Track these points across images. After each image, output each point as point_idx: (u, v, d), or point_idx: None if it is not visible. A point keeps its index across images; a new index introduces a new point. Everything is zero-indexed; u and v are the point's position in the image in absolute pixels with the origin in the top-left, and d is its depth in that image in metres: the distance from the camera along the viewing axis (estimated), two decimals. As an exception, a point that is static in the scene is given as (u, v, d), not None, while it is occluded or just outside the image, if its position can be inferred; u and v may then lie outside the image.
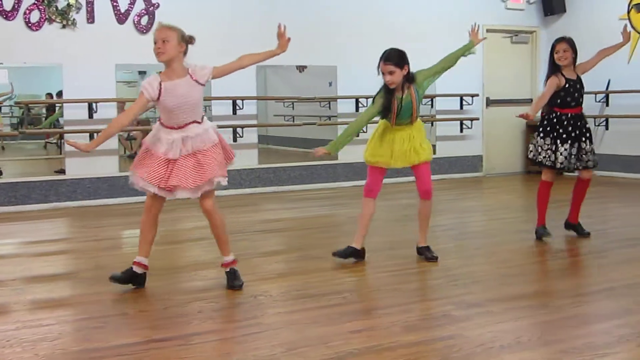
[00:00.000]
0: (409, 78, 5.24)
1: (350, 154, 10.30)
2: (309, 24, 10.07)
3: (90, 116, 8.75)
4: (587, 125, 6.09)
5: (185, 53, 4.61)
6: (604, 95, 11.01)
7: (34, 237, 6.95)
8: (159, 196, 4.64)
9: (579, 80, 6.03)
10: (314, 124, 10.60)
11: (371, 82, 10.36)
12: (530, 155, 6.14)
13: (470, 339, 3.62)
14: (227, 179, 4.66)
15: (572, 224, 6.28)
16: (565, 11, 11.70)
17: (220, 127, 9.59)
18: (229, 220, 7.76)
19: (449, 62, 5.56)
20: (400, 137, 5.30)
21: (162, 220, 7.75)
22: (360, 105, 10.39)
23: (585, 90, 11.02)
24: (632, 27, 10.66)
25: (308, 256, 5.66)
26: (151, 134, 4.62)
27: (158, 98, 4.47)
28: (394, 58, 5.18)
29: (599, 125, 11.12)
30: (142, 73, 11.50)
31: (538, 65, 12.05)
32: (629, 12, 10.72)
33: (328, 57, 10.18)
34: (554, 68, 5.97)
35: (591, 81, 10.98)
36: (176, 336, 3.77)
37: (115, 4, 8.95)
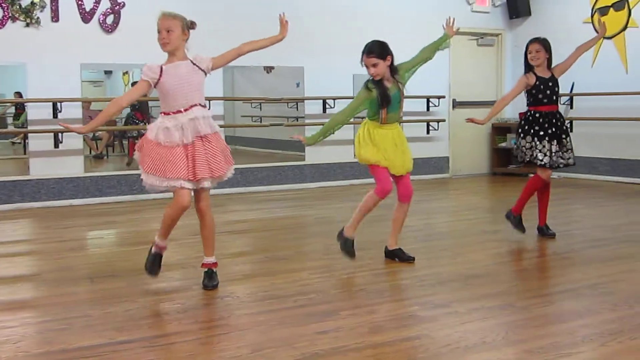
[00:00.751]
0: (393, 69, 5.27)
1: (317, 155, 10.32)
2: (276, 25, 10.04)
3: (55, 116, 8.64)
4: (565, 123, 6.17)
5: (186, 40, 4.71)
6: (568, 97, 11.14)
7: (2, 238, 6.86)
8: (187, 189, 4.52)
9: (552, 79, 6.09)
10: (282, 124, 10.58)
11: (338, 83, 10.47)
12: (519, 158, 6.19)
13: (436, 340, 3.64)
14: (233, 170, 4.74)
15: (540, 227, 6.36)
16: (530, 14, 11.83)
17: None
18: (196, 221, 7.73)
19: (426, 53, 5.57)
20: (392, 140, 5.26)
21: (129, 220, 7.75)
22: (327, 106, 10.41)
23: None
24: (596, 30, 10.80)
25: (274, 257, 5.65)
26: (154, 128, 4.53)
27: (159, 79, 4.47)
28: (376, 49, 5.22)
29: (563, 128, 11.25)
30: (108, 73, 11.42)
31: (504, 67, 12.17)
32: (592, 15, 10.86)
33: (295, 58, 10.17)
34: (527, 68, 6.10)
35: (556, 84, 11.18)
36: (141, 338, 3.74)
37: (80, 2, 8.86)
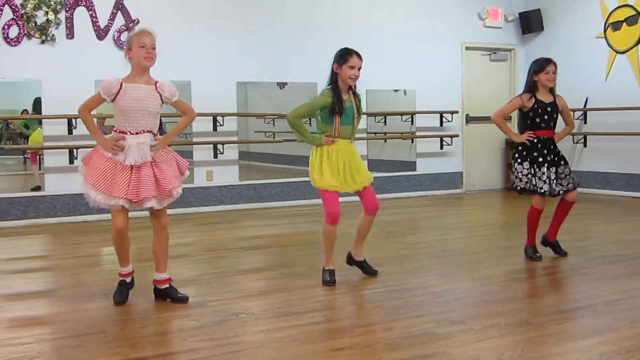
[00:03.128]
0: (353, 85, 5.33)
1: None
2: (290, 41, 10.10)
3: (70, 132, 8.70)
4: (558, 150, 6.04)
5: None
6: (582, 112, 11.11)
7: (13, 254, 6.88)
8: (125, 210, 4.59)
9: (553, 104, 5.92)
10: (295, 140, 10.56)
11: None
12: (515, 185, 6.03)
13: (452, 357, 3.61)
14: (181, 189, 4.76)
15: (550, 242, 6.26)
16: (543, 29, 11.82)
17: (200, 143, 9.65)
18: (210, 237, 7.76)
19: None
20: (346, 156, 5.23)
21: (142, 236, 7.74)
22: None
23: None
24: (609, 45, 10.78)
25: (289, 273, 5.64)
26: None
27: (116, 96, 4.50)
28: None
29: (577, 143, 11.22)
30: (122, 89, 11.47)
31: (516, 82, 12.14)
32: (605, 30, 10.84)
33: (308, 74, 10.18)
34: (529, 88, 5.92)
35: (569, 99, 11.08)
36: (155, 355, 3.73)
37: (94, 19, 8.92)
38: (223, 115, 9.62)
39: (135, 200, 4.51)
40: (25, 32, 8.53)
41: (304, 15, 10.31)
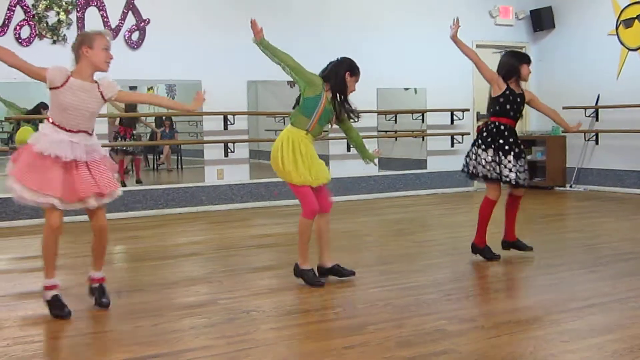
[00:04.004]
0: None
1: (341, 169, 10.32)
2: (299, 40, 10.10)
3: (81, 131, 8.74)
4: (519, 143, 5.86)
5: None
6: (593, 110, 11.07)
7: (25, 253, 6.92)
8: (57, 209, 4.34)
9: (522, 95, 5.87)
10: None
11: (362, 96, 10.45)
12: (470, 169, 5.84)
13: (463, 354, 3.61)
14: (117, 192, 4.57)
15: (511, 242, 6.08)
16: (554, 27, 11.79)
17: (211, 142, 9.68)
18: (221, 235, 7.78)
19: (352, 137, 5.61)
20: (312, 152, 5.17)
21: (154, 235, 7.78)
22: (351, 120, 10.40)
23: (575, 105, 11.14)
24: (621, 42, 10.74)
25: (300, 271, 5.64)
26: (38, 134, 4.39)
27: (59, 87, 4.31)
28: None
29: (589, 140, 11.19)
30: (133, 88, 11.50)
31: (528, 80, 12.09)
32: (617, 27, 10.79)
33: (318, 72, 10.15)
34: (509, 73, 5.86)
35: (581, 96, 11.14)
36: (168, 352, 3.74)
37: (106, 19, 8.96)
38: (234, 114, 9.63)
39: (72, 200, 4.32)
40: (37, 32, 8.58)
41: (315, 14, 10.31)
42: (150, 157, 12.08)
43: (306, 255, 5.18)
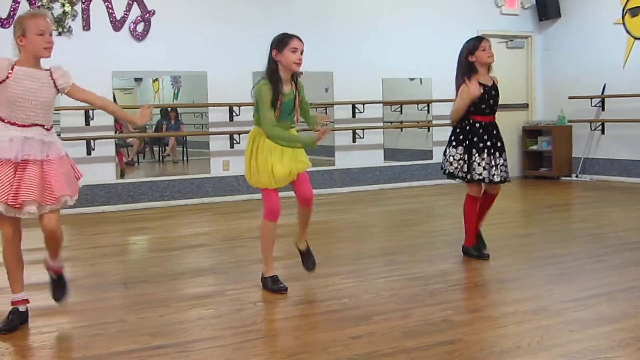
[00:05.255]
0: (295, 73, 4.77)
1: (346, 160, 10.32)
2: (305, 30, 10.07)
3: (87, 123, 8.77)
4: (501, 136, 5.63)
5: None
6: (599, 99, 11.05)
7: (32, 245, 6.90)
8: (12, 218, 3.96)
9: (494, 86, 5.59)
10: (307, 129, 10.58)
11: (367, 88, 10.47)
12: (445, 169, 5.65)
13: (470, 344, 3.62)
14: (76, 198, 4.17)
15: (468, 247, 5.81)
16: (560, 16, 11.75)
17: (217, 133, 9.67)
18: (228, 226, 7.79)
19: (305, 116, 5.00)
20: (280, 148, 4.69)
21: (161, 226, 7.79)
22: (356, 111, 10.42)
23: (581, 95, 11.11)
24: (627, 31, 10.70)
25: (306, 262, 5.65)
26: None
27: (4, 80, 3.88)
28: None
29: (595, 130, 11.16)
30: (139, 80, 11.51)
31: (533, 70, 12.09)
32: (623, 16, 10.75)
33: (324, 63, 10.17)
34: (468, 70, 5.46)
35: (586, 86, 11.12)
36: (175, 343, 3.75)
37: (110, 11, 8.96)
38: (239, 105, 9.63)
39: (13, 204, 3.86)
40: (42, 24, 8.56)
41: (319, 4, 10.29)
42: (155, 148, 12.09)
43: (268, 261, 4.88)
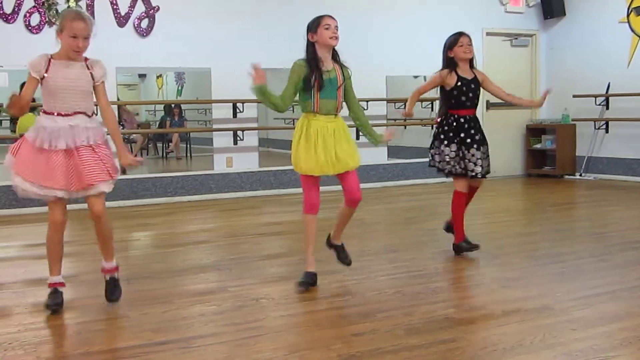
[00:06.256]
0: (336, 51, 4.80)
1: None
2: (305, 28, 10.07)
3: (91, 119, 8.77)
4: (481, 130, 5.69)
5: None
6: (604, 98, 11.03)
7: (35, 240, 6.93)
8: (61, 201, 4.23)
9: (475, 80, 5.58)
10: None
11: (372, 85, 10.45)
12: (437, 164, 5.65)
13: (473, 342, 3.62)
14: (114, 182, 4.35)
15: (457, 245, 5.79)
16: (564, 14, 11.72)
17: (220, 130, 9.68)
18: (231, 223, 7.79)
19: (355, 113, 4.98)
20: (330, 134, 4.68)
21: (164, 222, 7.80)
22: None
23: (586, 93, 11.08)
24: (632, 30, 10.68)
25: (309, 259, 5.65)
26: (32, 128, 4.17)
27: (46, 74, 4.10)
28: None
29: (599, 129, 11.15)
30: (142, 76, 11.54)
31: (538, 68, 12.08)
32: (628, 15, 10.73)
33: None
34: (448, 65, 5.56)
35: (591, 84, 11.10)
36: (178, 339, 3.76)
37: (115, 7, 8.96)
38: (243, 101, 9.63)
39: (77, 189, 4.16)
40: (47, 19, 8.58)
41: (323, 1, 10.28)
42: (159, 145, 12.11)
43: (308, 256, 4.83)
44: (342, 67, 4.82)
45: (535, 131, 11.93)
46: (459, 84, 5.49)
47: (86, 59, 4.26)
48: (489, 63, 11.62)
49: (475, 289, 4.66)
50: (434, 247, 5.97)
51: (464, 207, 5.71)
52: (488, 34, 11.61)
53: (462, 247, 5.67)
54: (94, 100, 4.31)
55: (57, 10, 8.58)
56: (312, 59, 4.68)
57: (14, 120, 10.06)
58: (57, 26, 4.25)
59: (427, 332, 3.80)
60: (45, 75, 4.12)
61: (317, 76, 4.63)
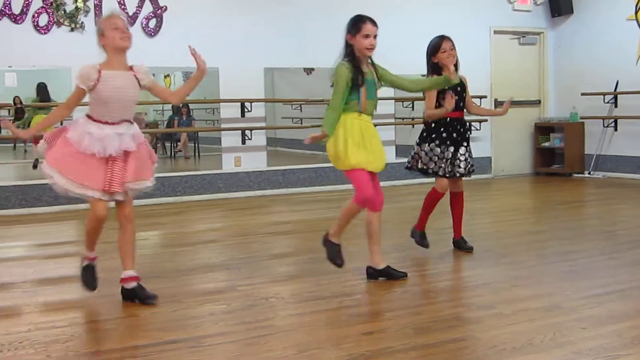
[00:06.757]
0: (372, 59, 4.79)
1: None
2: (316, 27, 10.08)
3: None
4: (469, 132, 5.72)
5: None
6: (612, 96, 10.99)
7: (45, 240, 6.98)
8: (103, 200, 4.32)
9: (460, 84, 5.54)
10: (322, 126, 10.57)
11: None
12: (419, 165, 5.64)
13: (482, 341, 3.62)
14: (153, 181, 4.58)
15: (455, 240, 5.84)
16: (572, 12, 11.69)
17: (228, 129, 9.69)
18: (239, 222, 7.80)
19: (412, 85, 5.07)
20: (370, 133, 4.69)
21: (173, 222, 7.81)
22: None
23: (594, 91, 11.05)
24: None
25: (318, 258, 5.63)
26: (78, 129, 4.28)
27: (94, 87, 4.22)
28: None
29: (607, 127, 11.11)
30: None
31: (546, 66, 12.05)
32: (636, 12, 10.70)
33: (336, 60, 10.14)
34: (432, 70, 5.54)
35: (599, 82, 11.07)
36: (187, 338, 3.77)
37: (123, 7, 8.98)
38: (251, 101, 9.64)
39: (111, 191, 4.28)
40: (55, 20, 8.61)
41: (332, 1, 10.28)
42: (167, 144, 12.13)
43: (341, 232, 4.85)
44: (374, 67, 4.79)
45: (543, 129, 11.90)
46: (447, 87, 5.37)
47: (131, 67, 4.40)
48: (496, 61, 11.62)
49: (484, 288, 4.65)
50: (443, 246, 5.97)
51: (436, 203, 5.69)
52: (496, 32, 11.59)
53: (415, 235, 5.75)
54: None
55: (65, 11, 8.60)
56: (353, 59, 4.68)
57: (20, 120, 10.11)
58: (97, 35, 4.38)
59: (436, 331, 3.80)
60: (95, 86, 4.23)
61: (361, 77, 4.61)
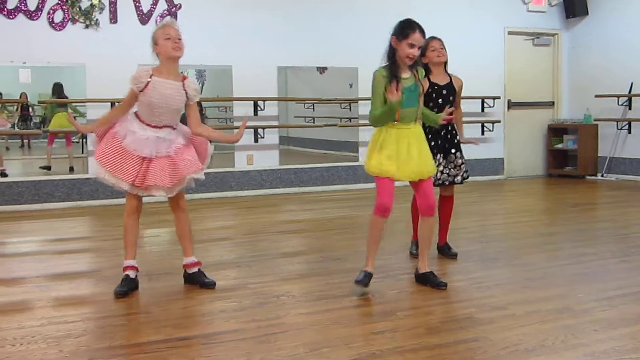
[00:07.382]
0: (416, 61, 4.58)
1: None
2: (329, 26, 10.08)
3: (113, 116, 8.81)
4: (456, 137, 5.52)
5: None
6: (626, 98, 10.94)
7: (57, 235, 7.00)
8: (137, 195, 4.61)
9: (448, 85, 5.33)
10: (335, 125, 10.59)
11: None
12: None
13: (494, 342, 3.60)
14: (203, 172, 4.78)
15: (439, 246, 5.67)
16: (587, 13, 11.63)
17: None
18: (251, 220, 7.81)
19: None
20: (407, 141, 4.54)
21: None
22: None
23: (608, 93, 10.97)
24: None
25: (329, 257, 5.65)
26: (124, 124, 4.55)
27: (143, 90, 4.44)
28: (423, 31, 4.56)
29: (621, 129, 11.06)
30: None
31: (560, 67, 12.00)
32: (653, 14, 10.64)
33: (349, 59, 10.16)
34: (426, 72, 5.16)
35: (613, 84, 11.01)
36: (198, 335, 3.78)
37: (137, 4, 9.00)
38: (264, 99, 9.65)
39: (140, 185, 4.51)
40: (70, 16, 8.64)
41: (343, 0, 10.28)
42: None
43: (369, 256, 4.64)
44: (417, 71, 4.63)
45: (557, 131, 11.86)
46: (429, 90, 5.19)
47: (184, 78, 4.59)
48: (510, 62, 11.58)
49: (495, 289, 4.64)
50: (455, 246, 5.95)
51: (417, 215, 5.37)
52: (510, 33, 11.55)
53: (411, 247, 5.66)
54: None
55: (80, 7, 8.64)
56: (392, 64, 4.52)
57: (25, 116, 10.16)
58: (152, 44, 4.54)
59: (447, 331, 3.79)
60: (145, 89, 4.44)
61: (397, 84, 4.42)
